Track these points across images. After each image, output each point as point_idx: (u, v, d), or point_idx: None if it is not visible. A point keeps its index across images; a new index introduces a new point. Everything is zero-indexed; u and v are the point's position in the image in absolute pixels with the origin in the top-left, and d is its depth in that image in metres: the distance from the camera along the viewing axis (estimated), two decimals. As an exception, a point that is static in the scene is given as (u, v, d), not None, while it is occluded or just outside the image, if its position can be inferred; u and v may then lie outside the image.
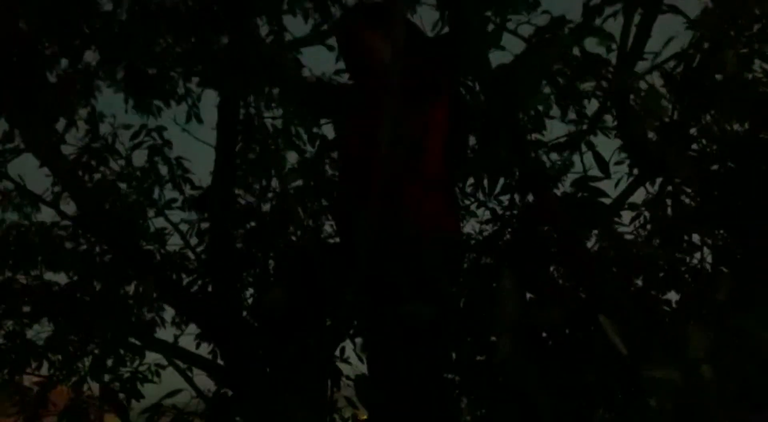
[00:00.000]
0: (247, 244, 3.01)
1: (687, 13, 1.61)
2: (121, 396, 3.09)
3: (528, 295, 1.68)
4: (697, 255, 1.95)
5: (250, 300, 3.16)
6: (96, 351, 2.84)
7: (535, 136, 1.92)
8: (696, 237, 1.88)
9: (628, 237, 1.98)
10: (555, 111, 1.81)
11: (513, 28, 1.71)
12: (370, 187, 1.56)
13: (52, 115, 1.98)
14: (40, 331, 3.26)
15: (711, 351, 0.91)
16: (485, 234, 3.14)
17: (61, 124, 2.33)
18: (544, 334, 1.34)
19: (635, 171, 1.89)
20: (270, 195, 3.05)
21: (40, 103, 1.84)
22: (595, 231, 1.93)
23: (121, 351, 2.87)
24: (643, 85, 1.56)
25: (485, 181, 2.00)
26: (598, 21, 1.58)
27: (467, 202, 3.44)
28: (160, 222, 3.12)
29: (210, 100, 2.96)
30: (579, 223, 1.75)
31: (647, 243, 2.02)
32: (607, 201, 1.80)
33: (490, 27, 1.53)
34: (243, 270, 2.94)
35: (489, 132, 1.60)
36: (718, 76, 1.69)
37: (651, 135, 1.72)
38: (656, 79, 1.66)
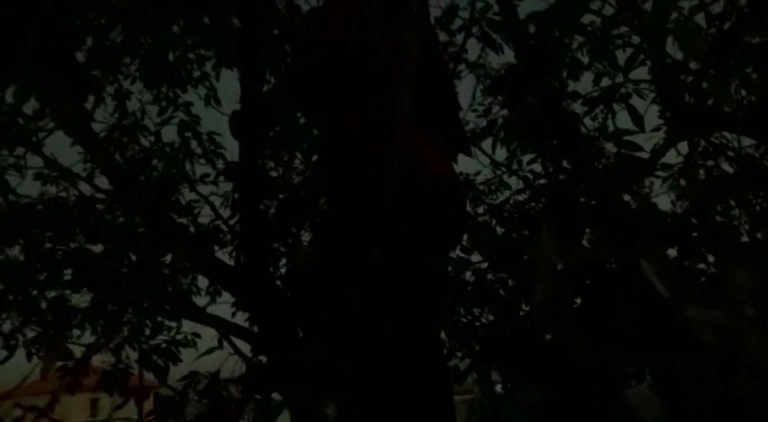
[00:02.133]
0: (279, 215, 3.05)
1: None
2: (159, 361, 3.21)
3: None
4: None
5: (283, 270, 3.23)
6: (134, 319, 2.94)
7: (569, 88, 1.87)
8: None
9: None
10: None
11: None
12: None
13: (80, 93, 2.00)
14: (81, 300, 3.40)
15: (753, 290, 0.90)
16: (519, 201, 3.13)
17: (89, 104, 2.36)
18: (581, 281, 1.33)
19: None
20: (298, 167, 3.07)
21: (68, 80, 1.87)
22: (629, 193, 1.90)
23: (159, 319, 2.96)
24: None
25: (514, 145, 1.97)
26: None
27: (499, 172, 3.41)
28: (192, 196, 3.17)
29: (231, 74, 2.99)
30: (615, 179, 1.72)
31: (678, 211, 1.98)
32: (643, 155, 1.77)
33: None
34: (275, 241, 2.99)
35: (519, 85, 1.56)
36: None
37: (688, 78, 1.65)
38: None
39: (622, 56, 1.79)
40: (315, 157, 2.54)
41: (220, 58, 2.80)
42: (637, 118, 1.64)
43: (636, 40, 1.67)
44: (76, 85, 1.89)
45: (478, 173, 3.80)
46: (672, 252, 1.85)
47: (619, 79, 1.79)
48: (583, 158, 1.60)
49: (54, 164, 2.65)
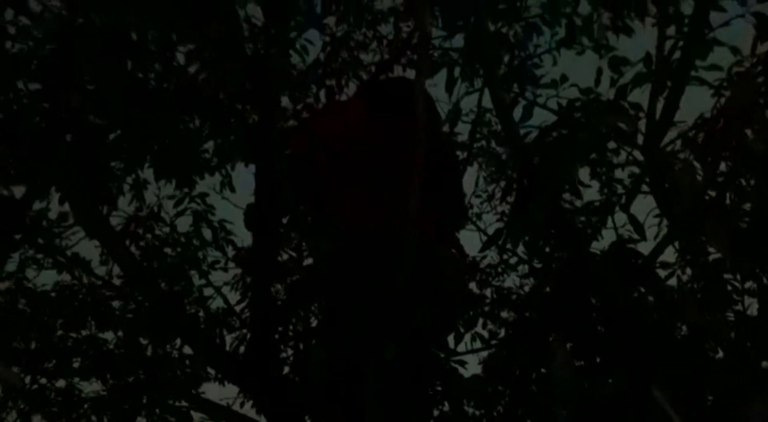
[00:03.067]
0: (288, 298, 3.10)
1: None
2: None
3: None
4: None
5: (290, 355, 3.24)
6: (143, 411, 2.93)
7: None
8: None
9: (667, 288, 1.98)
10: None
11: (543, 102, 1.78)
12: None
13: (100, 196, 2.12)
14: (89, 389, 3.40)
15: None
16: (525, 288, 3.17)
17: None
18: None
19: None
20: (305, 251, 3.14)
21: (89, 182, 1.98)
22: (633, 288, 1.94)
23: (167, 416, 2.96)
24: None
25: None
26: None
27: (506, 257, 3.47)
28: (202, 282, 3.24)
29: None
30: (618, 282, 1.76)
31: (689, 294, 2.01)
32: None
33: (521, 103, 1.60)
34: (284, 324, 3.02)
35: (524, 199, 1.65)
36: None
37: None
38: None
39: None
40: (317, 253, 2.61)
41: (237, 150, 2.95)
42: (639, 228, 1.71)
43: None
44: (97, 187, 2.00)
45: (483, 257, 3.84)
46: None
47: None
48: (585, 270, 1.67)
49: (72, 261, 2.75)
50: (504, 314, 3.55)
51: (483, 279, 3.87)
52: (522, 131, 1.72)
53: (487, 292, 3.81)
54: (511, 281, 3.81)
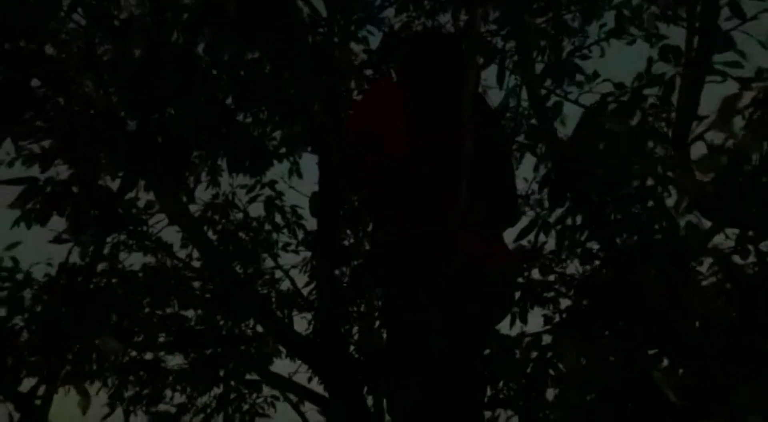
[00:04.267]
0: (352, 281, 3.25)
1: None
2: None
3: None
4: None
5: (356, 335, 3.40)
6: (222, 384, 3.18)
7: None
8: None
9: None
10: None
11: (574, 99, 1.80)
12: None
13: (181, 186, 2.32)
14: (173, 363, 3.70)
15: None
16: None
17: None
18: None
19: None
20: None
21: (173, 175, 2.18)
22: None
23: (241, 387, 3.19)
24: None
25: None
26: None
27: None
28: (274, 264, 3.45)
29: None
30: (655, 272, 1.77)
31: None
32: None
33: (553, 98, 1.64)
34: (349, 305, 3.18)
35: (556, 194, 1.69)
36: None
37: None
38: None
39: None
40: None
41: (301, 141, 3.12)
42: (668, 218, 1.69)
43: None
44: (179, 180, 2.20)
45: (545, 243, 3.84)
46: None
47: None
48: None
49: (158, 244, 3.01)
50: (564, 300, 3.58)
51: (546, 266, 3.89)
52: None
53: (551, 278, 3.85)
54: (573, 267, 3.82)
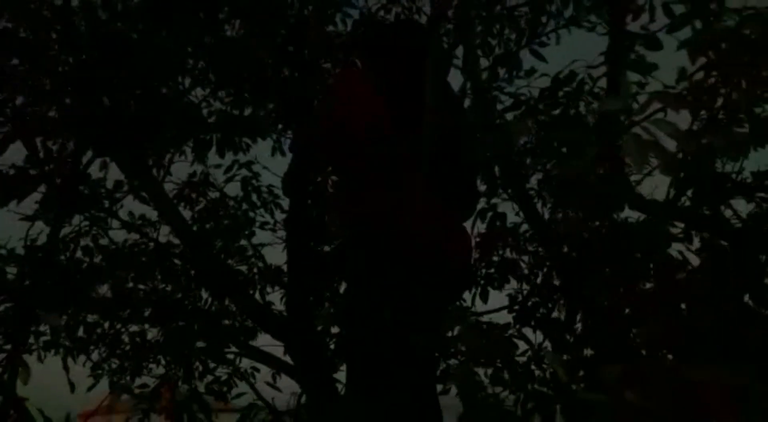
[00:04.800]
0: (327, 262, 3.34)
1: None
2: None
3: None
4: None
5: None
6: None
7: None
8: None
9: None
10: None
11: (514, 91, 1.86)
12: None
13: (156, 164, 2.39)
14: (157, 336, 3.82)
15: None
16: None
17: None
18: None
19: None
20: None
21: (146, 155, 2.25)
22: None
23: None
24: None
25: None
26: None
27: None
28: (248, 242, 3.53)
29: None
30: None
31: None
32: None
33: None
34: (323, 286, 3.27)
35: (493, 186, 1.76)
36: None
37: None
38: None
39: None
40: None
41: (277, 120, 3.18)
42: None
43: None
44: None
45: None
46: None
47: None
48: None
49: (127, 224, 3.10)
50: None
51: (518, 246, 3.99)
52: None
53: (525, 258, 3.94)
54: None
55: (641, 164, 0.98)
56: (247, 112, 3.10)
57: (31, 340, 2.97)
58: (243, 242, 3.42)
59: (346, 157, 2.07)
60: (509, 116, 1.72)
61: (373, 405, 1.85)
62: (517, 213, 2.07)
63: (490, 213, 1.95)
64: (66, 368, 3.08)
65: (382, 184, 2.02)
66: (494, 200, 2.06)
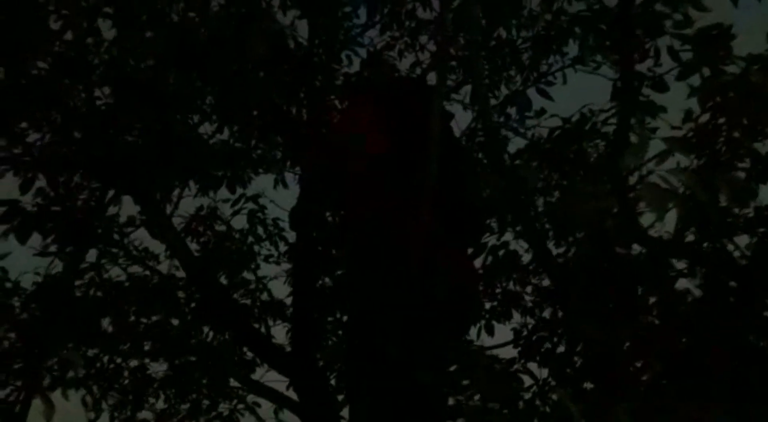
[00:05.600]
0: (331, 293, 3.35)
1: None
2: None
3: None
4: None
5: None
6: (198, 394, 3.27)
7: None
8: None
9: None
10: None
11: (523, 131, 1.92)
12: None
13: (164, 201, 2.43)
14: (157, 370, 3.79)
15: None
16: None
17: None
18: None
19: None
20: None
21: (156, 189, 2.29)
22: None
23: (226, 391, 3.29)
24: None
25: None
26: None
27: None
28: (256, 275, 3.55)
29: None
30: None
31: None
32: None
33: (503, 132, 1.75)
34: (326, 317, 3.28)
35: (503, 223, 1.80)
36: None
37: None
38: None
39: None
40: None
41: (282, 157, 3.23)
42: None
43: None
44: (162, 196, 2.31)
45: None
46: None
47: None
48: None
49: (137, 258, 3.12)
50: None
51: (522, 278, 4.01)
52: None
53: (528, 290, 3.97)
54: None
55: (661, 213, 1.02)
56: (253, 145, 3.16)
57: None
58: (247, 275, 3.43)
59: (349, 183, 2.12)
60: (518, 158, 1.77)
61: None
62: (526, 250, 2.11)
63: (502, 251, 1.98)
64: (85, 404, 3.06)
65: (387, 213, 2.06)
66: (505, 237, 2.10)
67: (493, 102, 2.78)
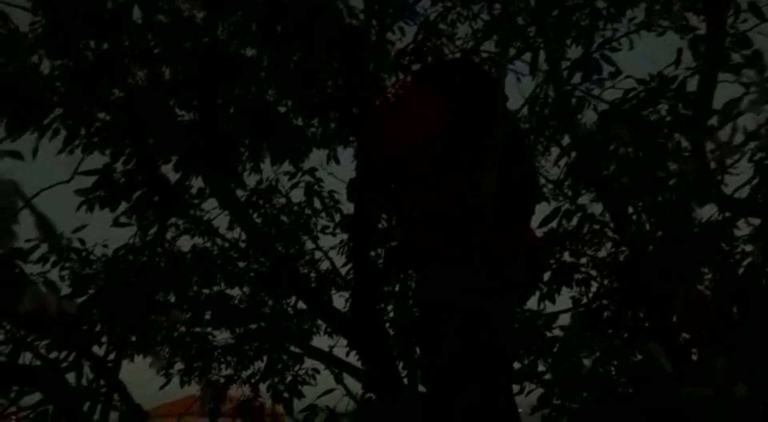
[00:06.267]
0: (386, 262, 3.42)
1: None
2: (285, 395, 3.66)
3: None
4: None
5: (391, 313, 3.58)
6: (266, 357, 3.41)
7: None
8: None
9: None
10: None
11: (598, 94, 1.90)
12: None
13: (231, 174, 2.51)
14: (220, 338, 3.96)
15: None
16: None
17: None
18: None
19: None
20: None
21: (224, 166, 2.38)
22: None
23: (284, 357, 3.41)
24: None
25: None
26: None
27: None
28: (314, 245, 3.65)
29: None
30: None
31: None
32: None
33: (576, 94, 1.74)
34: (384, 285, 3.35)
35: (577, 187, 1.81)
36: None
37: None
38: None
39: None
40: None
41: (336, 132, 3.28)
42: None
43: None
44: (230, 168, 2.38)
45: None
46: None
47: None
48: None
49: (209, 228, 3.25)
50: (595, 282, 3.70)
51: (577, 249, 4.00)
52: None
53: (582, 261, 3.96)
54: (605, 251, 3.92)
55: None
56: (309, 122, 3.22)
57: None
58: (307, 245, 3.53)
59: (409, 162, 2.16)
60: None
61: (449, 404, 1.91)
62: (601, 214, 2.11)
63: (578, 214, 1.98)
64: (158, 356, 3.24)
65: (447, 188, 2.10)
66: (581, 200, 2.10)
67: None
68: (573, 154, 1.73)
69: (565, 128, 1.80)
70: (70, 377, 1.74)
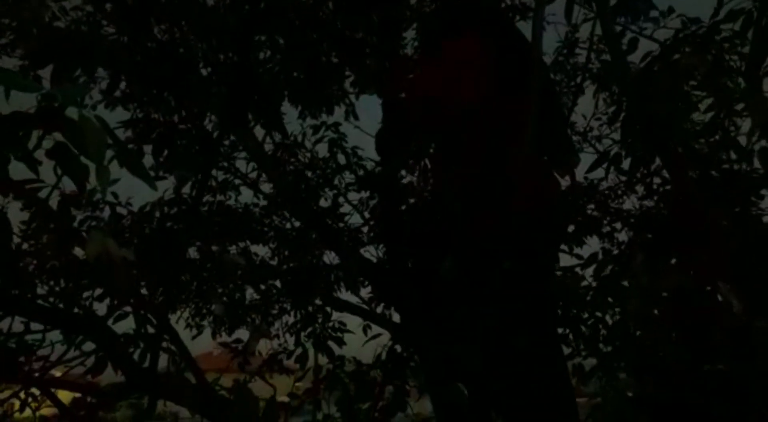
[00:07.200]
0: (412, 218, 3.44)
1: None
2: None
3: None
4: None
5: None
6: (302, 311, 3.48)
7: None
8: None
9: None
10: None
11: (649, 34, 1.86)
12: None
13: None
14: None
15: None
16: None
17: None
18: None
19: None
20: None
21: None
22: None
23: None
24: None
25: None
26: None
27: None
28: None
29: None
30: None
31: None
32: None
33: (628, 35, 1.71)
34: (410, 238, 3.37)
35: (628, 128, 1.80)
36: None
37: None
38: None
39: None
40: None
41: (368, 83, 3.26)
42: (739, 150, 1.75)
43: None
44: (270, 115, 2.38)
45: (602, 179, 3.90)
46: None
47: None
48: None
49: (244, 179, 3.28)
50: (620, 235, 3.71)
51: (601, 201, 3.99)
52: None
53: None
54: (630, 203, 3.92)
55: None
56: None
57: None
58: (339, 199, 3.54)
59: (452, 119, 2.17)
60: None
61: (495, 349, 1.95)
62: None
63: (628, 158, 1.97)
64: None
65: (488, 144, 2.12)
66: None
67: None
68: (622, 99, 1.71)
69: (614, 70, 1.77)
70: (122, 325, 1.79)
